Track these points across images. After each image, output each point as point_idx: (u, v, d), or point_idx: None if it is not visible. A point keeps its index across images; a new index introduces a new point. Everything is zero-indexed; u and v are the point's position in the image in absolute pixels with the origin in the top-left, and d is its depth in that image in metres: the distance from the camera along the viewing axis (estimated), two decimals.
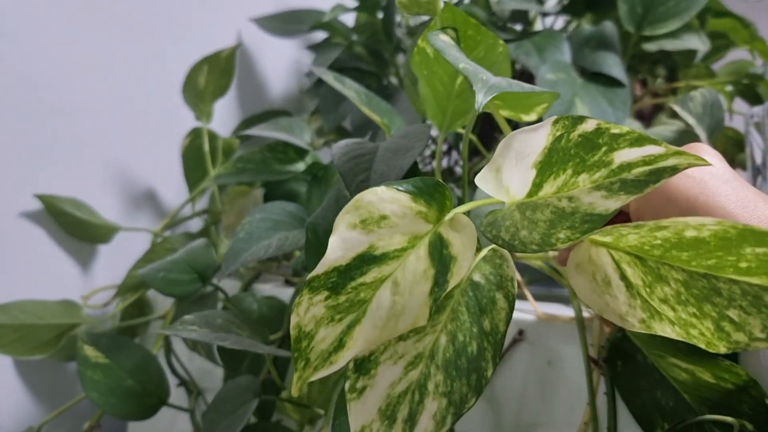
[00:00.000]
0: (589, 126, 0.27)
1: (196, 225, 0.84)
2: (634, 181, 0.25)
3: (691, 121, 0.64)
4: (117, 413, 0.56)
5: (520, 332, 0.49)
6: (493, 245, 0.33)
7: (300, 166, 0.65)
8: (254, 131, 0.68)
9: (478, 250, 0.34)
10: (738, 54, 0.90)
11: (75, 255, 0.75)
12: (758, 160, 0.72)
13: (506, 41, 0.71)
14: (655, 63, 0.88)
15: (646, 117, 0.80)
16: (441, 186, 0.31)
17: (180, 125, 0.82)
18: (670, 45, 0.75)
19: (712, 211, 0.33)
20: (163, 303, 0.72)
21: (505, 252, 0.33)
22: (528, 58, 0.67)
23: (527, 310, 0.51)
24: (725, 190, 0.34)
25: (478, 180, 0.32)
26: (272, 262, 0.71)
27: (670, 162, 0.24)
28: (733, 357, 0.43)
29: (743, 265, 0.24)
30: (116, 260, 0.78)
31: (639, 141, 0.26)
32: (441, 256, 0.30)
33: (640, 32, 0.71)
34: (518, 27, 0.87)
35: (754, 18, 0.86)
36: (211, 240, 0.72)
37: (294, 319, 0.29)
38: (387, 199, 0.30)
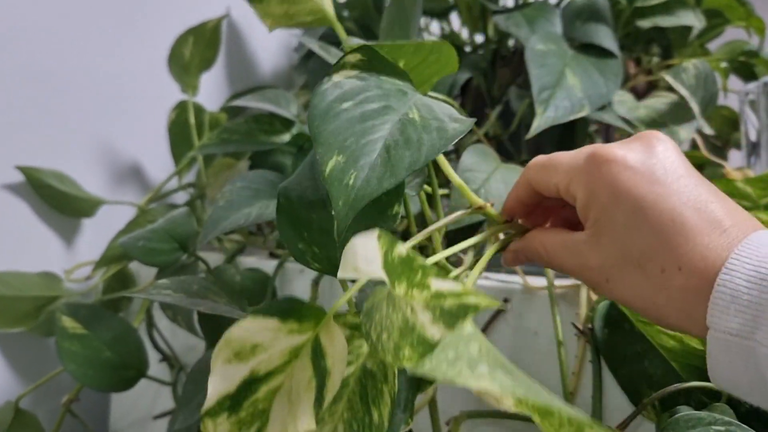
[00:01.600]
0: (401, 251, 0.26)
1: (181, 199, 0.83)
2: (449, 312, 0.23)
3: (684, 92, 0.62)
4: (94, 384, 0.55)
5: (505, 300, 0.48)
6: None
7: (286, 138, 0.64)
8: (241, 102, 0.67)
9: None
10: (733, 34, 0.89)
11: (58, 229, 0.74)
12: (753, 137, 0.71)
13: (495, 12, 0.70)
14: (650, 42, 0.86)
15: (640, 94, 0.79)
16: (310, 306, 0.32)
17: (167, 99, 0.80)
18: (665, 21, 0.74)
19: (661, 212, 0.30)
20: (146, 277, 0.71)
21: None
22: (518, 29, 0.65)
23: (514, 282, 0.49)
24: (677, 188, 0.31)
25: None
26: (257, 236, 0.70)
27: (472, 300, 0.23)
28: None
29: None
30: (100, 235, 0.77)
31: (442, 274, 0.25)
32: (320, 367, 0.31)
33: (633, 4, 0.70)
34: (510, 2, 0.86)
35: None
36: (195, 213, 0.71)
37: None
38: (256, 329, 0.31)
